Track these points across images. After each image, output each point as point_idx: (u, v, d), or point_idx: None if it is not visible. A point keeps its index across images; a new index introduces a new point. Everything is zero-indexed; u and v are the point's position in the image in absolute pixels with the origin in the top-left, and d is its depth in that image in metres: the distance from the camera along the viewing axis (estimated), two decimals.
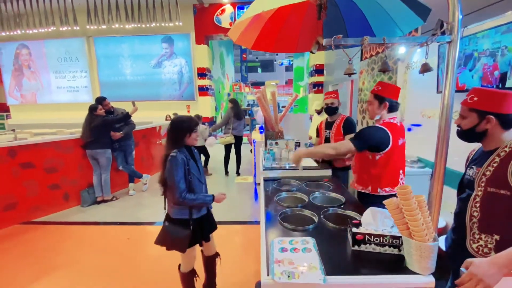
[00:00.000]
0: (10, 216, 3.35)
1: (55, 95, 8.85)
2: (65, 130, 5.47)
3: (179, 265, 1.87)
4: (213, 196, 1.78)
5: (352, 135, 2.63)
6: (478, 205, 1.10)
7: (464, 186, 1.20)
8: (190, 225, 1.71)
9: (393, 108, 1.74)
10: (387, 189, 1.75)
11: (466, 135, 1.15)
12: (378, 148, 1.68)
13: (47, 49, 8.55)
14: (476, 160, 1.17)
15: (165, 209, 1.80)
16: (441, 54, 2.44)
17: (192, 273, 1.87)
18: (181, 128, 1.69)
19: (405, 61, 3.13)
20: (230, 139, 5.12)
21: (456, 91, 1.34)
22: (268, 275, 1.01)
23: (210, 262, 1.99)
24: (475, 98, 1.10)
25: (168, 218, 1.78)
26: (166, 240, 1.72)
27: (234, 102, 5.25)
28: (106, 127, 3.91)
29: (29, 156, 3.51)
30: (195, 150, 1.86)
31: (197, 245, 1.84)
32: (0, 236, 3.14)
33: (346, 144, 1.67)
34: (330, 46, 1.23)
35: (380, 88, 1.74)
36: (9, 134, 5.27)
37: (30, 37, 8.14)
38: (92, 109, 3.86)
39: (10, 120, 9.20)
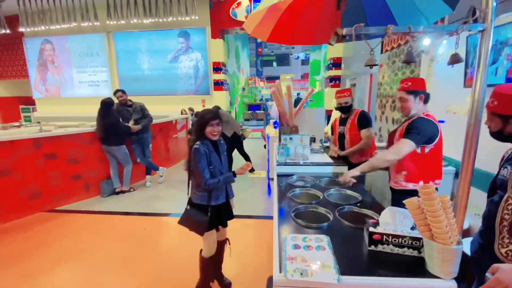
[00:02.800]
0: (34, 204, 3.54)
1: (77, 89, 9.18)
2: (86, 123, 5.70)
3: (201, 250, 1.96)
4: (233, 172, 1.85)
5: (368, 129, 2.56)
6: (510, 207, 1.02)
7: (497, 187, 1.12)
8: (208, 211, 1.81)
9: (427, 99, 1.74)
10: (437, 181, 1.76)
11: (496, 137, 1.11)
12: (430, 141, 1.67)
13: (70, 45, 8.86)
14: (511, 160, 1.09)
15: (188, 193, 1.92)
16: (470, 45, 2.28)
17: (212, 258, 1.96)
18: (200, 120, 1.78)
19: (429, 53, 2.97)
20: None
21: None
22: (280, 271, 1.00)
23: (219, 247, 2.06)
24: (495, 102, 1.06)
25: (190, 202, 1.89)
26: (187, 222, 1.85)
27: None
28: (116, 127, 3.92)
29: (53, 147, 3.67)
30: (222, 142, 1.91)
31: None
32: (25, 223, 3.33)
33: (407, 143, 1.62)
34: (350, 37, 1.17)
35: (410, 83, 1.73)
36: (35, 126, 5.55)
37: (54, 32, 8.45)
38: (104, 104, 3.87)
39: (35, 113, 9.66)
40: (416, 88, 1.70)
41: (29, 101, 10.02)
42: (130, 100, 4.31)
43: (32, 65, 9.19)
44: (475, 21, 1.09)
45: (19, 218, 3.39)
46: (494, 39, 1.97)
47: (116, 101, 4.13)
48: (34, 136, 3.56)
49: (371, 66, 1.28)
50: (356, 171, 1.77)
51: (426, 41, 2.92)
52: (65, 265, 2.49)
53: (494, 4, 1.10)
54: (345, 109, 2.68)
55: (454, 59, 1.16)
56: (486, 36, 1.10)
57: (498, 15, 1.99)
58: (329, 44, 1.42)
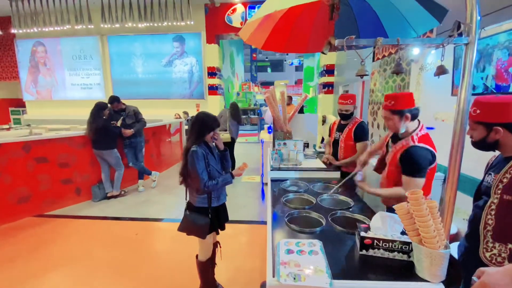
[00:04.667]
0: (23, 208, 3.46)
1: (69, 92, 9.07)
2: (78, 126, 5.62)
3: (197, 255, 1.95)
4: (231, 173, 1.89)
5: (365, 142, 2.57)
6: (493, 212, 1.06)
7: (481, 193, 1.16)
8: (209, 213, 1.83)
9: (414, 116, 1.59)
10: (428, 197, 1.66)
11: (479, 146, 1.14)
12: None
13: (62, 47, 8.77)
14: (495, 167, 1.14)
15: (186, 198, 1.92)
16: (457, 55, 2.37)
17: (210, 261, 1.96)
18: (204, 124, 1.81)
19: (418, 62, 3.06)
20: (227, 136, 5.00)
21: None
22: (273, 276, 1.01)
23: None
24: (478, 111, 1.09)
25: (190, 207, 1.89)
26: (189, 227, 1.85)
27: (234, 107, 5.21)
28: (106, 131, 3.90)
29: (43, 151, 3.61)
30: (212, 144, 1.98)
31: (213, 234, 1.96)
32: (14, 228, 3.25)
33: (415, 182, 1.49)
34: (342, 47, 1.21)
35: (392, 102, 1.58)
36: (24, 129, 5.45)
37: (46, 34, 8.36)
38: (96, 106, 3.84)
39: (26, 115, 9.48)
40: (400, 108, 1.55)
41: (20, 104, 9.84)
42: (124, 104, 4.29)
43: (23, 67, 9.05)
44: (460, 34, 1.14)
45: (8, 222, 3.31)
46: (486, 43, 2.05)
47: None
48: (24, 139, 3.49)
49: (362, 76, 1.33)
50: (371, 190, 1.68)
51: (415, 51, 3.02)
52: (55, 270, 2.43)
53: (478, 18, 1.16)
54: (345, 117, 2.68)
55: (440, 71, 1.21)
56: (470, 48, 1.15)
57: (484, 26, 2.08)
58: (322, 53, 1.46)
